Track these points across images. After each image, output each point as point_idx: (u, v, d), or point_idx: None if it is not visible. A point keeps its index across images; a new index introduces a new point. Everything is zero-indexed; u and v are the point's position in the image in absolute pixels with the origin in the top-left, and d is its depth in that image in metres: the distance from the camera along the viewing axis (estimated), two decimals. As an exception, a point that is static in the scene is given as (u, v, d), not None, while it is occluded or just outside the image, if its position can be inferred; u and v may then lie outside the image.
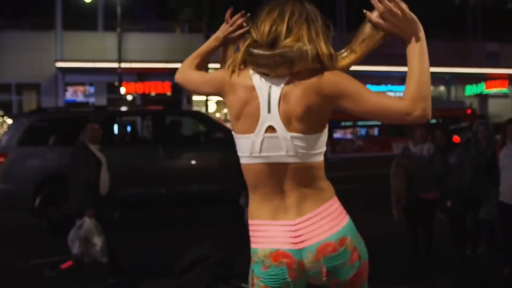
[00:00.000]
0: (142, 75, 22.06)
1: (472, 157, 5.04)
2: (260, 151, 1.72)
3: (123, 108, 11.68)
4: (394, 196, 4.91)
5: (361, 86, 1.64)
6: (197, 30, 20.94)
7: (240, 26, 2.00)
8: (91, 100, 22.78)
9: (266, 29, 1.72)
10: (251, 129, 1.73)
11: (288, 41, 1.67)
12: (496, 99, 27.38)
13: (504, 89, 26.96)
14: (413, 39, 1.62)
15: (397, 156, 5.05)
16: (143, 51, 21.40)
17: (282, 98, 1.69)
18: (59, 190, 6.73)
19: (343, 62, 1.74)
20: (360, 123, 20.58)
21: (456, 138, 11.61)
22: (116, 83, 20.29)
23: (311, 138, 1.70)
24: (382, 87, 25.21)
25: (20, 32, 21.50)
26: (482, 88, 26.65)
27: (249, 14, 1.99)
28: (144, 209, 7.74)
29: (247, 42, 1.77)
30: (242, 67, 1.79)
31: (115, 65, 19.91)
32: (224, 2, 21.26)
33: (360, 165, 16.38)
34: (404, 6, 1.61)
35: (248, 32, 1.95)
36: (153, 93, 21.94)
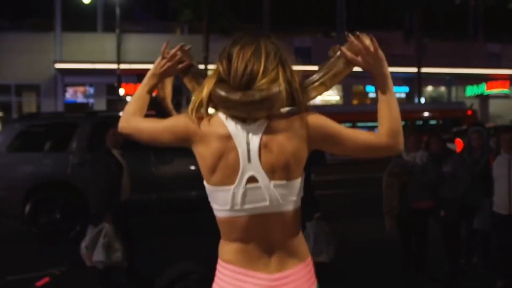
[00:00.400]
0: (141, 76, 21.97)
1: (466, 166, 4.94)
2: (242, 203, 1.59)
3: (115, 113, 11.64)
4: (386, 206, 4.81)
5: (340, 126, 1.65)
6: (197, 31, 20.89)
7: (180, 61, 1.82)
8: (91, 101, 22.76)
9: (241, 69, 1.58)
10: (230, 180, 1.59)
11: (264, 82, 1.56)
12: (497, 100, 27.25)
13: (505, 90, 26.83)
14: (383, 75, 1.67)
15: (389, 165, 4.95)
16: (142, 52, 21.34)
17: (263, 146, 1.58)
18: (50, 196, 6.70)
19: (312, 95, 1.69)
20: (359, 124, 20.47)
21: (459, 141, 11.46)
22: (116, 84, 20.25)
23: (294, 184, 1.62)
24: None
25: (19, 33, 21.48)
26: (483, 89, 26.53)
27: (189, 47, 1.84)
28: (135, 215, 7.65)
29: (212, 82, 1.61)
30: (207, 110, 1.62)
31: (114, 66, 19.87)
32: (224, 2, 21.32)
33: (359, 167, 16.28)
34: (376, 44, 1.66)
35: (189, 66, 1.81)
36: (152, 94, 21.89)
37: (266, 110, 1.57)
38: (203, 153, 1.63)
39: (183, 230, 7.39)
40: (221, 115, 1.62)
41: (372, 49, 1.63)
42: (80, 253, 4.53)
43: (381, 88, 1.67)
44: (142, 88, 1.87)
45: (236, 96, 1.56)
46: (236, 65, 1.59)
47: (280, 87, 1.56)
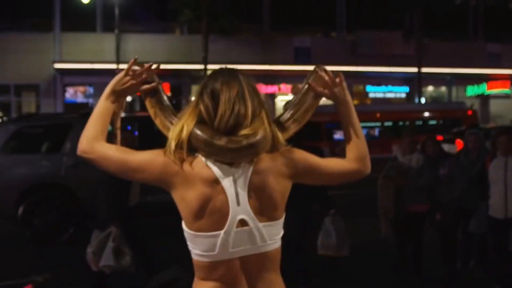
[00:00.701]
0: (140, 76, 21.99)
1: (463, 169, 4.87)
2: (232, 247, 1.53)
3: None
4: (381, 209, 4.76)
5: (316, 157, 1.68)
6: (197, 31, 20.85)
7: (145, 81, 1.67)
8: (91, 101, 22.72)
9: (227, 113, 1.51)
10: (219, 226, 1.52)
11: (251, 128, 1.52)
12: (498, 100, 27.17)
13: (506, 90, 26.75)
14: (347, 103, 1.73)
15: (384, 167, 4.89)
16: (141, 52, 21.30)
17: (251, 188, 1.53)
18: (43, 198, 6.64)
19: (288, 133, 1.67)
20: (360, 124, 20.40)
21: (459, 142, 11.40)
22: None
23: (279, 223, 1.60)
24: (382, 88, 25.08)
25: (19, 33, 21.46)
26: (484, 89, 26.45)
27: (157, 66, 1.70)
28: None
29: (192, 122, 1.52)
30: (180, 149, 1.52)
31: (113, 66, 19.83)
32: (224, 2, 21.26)
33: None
34: (342, 75, 1.73)
35: (154, 89, 1.68)
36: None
37: (252, 156, 1.53)
38: (187, 197, 1.53)
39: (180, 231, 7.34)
40: (201, 157, 1.53)
41: (338, 80, 1.70)
42: (85, 258, 4.46)
43: (347, 115, 1.73)
44: (101, 106, 1.67)
45: (221, 141, 1.50)
46: (224, 109, 1.51)
47: (266, 131, 1.53)
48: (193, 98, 1.62)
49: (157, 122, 1.68)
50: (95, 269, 4.41)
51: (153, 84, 1.68)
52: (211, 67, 19.66)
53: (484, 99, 27.12)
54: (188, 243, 1.58)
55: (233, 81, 1.55)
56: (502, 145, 4.35)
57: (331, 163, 1.70)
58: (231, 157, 1.51)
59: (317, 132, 16.87)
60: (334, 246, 4.59)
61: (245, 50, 22.72)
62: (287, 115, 1.69)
